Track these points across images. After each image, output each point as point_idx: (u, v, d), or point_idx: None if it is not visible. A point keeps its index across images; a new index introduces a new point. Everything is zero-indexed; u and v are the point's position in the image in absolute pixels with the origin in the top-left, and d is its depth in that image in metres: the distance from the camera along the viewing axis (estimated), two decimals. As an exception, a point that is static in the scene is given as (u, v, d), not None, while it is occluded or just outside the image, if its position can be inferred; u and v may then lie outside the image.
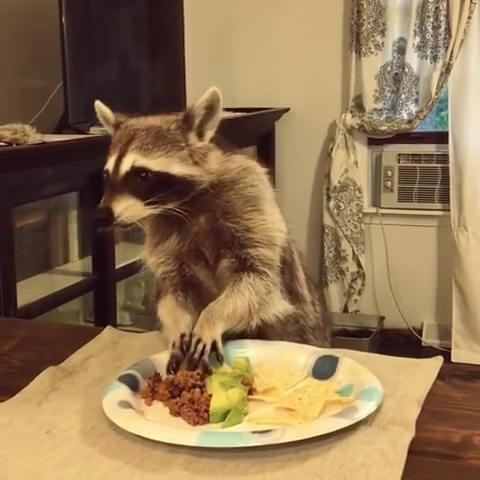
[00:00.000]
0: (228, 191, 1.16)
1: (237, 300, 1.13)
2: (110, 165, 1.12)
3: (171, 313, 1.17)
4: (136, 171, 1.10)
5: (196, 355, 1.06)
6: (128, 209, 1.08)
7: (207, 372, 1.04)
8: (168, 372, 1.05)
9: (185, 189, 1.12)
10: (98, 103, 1.21)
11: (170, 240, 1.18)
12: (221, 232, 1.16)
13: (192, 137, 1.14)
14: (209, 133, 1.15)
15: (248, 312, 1.14)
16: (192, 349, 1.07)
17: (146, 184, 1.09)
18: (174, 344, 1.09)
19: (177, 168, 1.11)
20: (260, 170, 1.23)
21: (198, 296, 1.19)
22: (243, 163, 1.20)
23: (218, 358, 1.07)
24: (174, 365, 1.06)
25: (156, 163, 1.10)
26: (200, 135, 1.15)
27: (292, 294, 1.22)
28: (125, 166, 1.10)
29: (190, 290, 1.19)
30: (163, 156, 1.11)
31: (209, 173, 1.14)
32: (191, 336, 1.09)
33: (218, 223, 1.15)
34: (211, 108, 1.14)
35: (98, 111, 1.22)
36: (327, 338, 1.34)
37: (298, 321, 1.23)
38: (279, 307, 1.17)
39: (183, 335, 1.10)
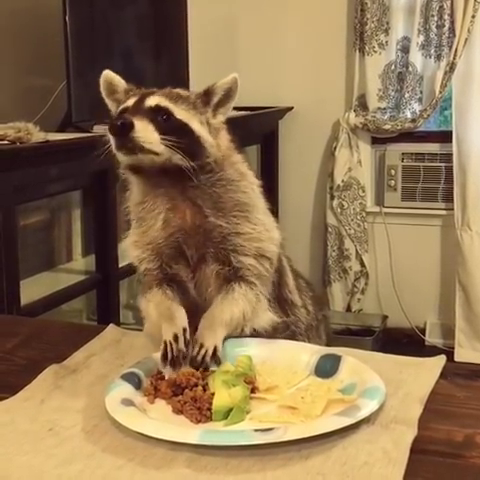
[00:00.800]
0: (221, 188, 1.15)
1: (233, 308, 1.14)
2: (130, 102, 1.10)
3: (161, 305, 1.15)
4: (160, 109, 1.09)
5: (199, 357, 1.07)
6: (147, 131, 1.06)
7: (207, 371, 1.05)
8: (171, 366, 1.05)
9: (195, 150, 1.11)
10: (107, 71, 1.18)
11: (153, 229, 1.16)
12: (210, 231, 1.14)
13: (209, 111, 1.16)
14: (220, 117, 1.17)
15: (243, 319, 1.15)
16: (195, 353, 1.07)
17: (167, 124, 1.09)
18: (176, 338, 1.08)
19: (197, 125, 1.12)
20: (254, 180, 1.22)
21: (182, 294, 1.18)
22: (241, 166, 1.20)
23: (216, 362, 1.08)
24: (181, 361, 1.06)
25: (180, 111, 1.11)
26: (214, 112, 1.16)
27: (282, 301, 1.23)
28: (150, 102, 1.10)
29: (175, 285, 1.18)
30: (186, 110, 1.12)
31: (218, 149, 1.15)
32: (186, 336, 1.10)
33: (207, 220, 1.14)
34: (228, 93, 1.16)
35: (104, 79, 1.18)
36: (321, 336, 1.34)
37: (289, 327, 1.23)
38: (265, 317, 1.17)
39: (185, 329, 1.10)
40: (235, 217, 1.15)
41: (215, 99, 1.16)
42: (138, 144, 1.06)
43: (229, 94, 1.16)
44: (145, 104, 1.10)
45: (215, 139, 1.15)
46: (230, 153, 1.19)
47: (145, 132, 1.06)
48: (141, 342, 1.21)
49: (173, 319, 1.12)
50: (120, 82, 1.19)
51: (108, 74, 1.18)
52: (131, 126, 1.05)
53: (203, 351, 1.08)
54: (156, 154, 1.08)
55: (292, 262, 1.30)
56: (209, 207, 1.14)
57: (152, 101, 1.10)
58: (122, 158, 1.11)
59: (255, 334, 1.17)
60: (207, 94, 1.16)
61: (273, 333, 1.19)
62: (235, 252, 1.15)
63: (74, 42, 2.70)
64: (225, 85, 1.16)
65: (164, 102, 1.11)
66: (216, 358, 1.08)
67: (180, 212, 1.14)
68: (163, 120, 1.09)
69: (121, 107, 1.13)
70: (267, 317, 1.18)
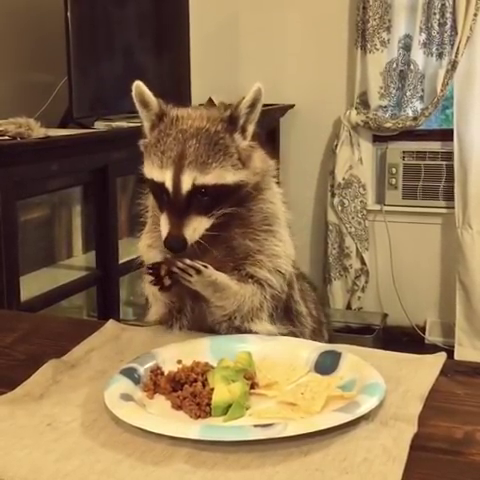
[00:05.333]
0: (251, 200, 1.17)
1: (234, 286, 1.15)
2: (168, 182, 1.11)
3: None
4: (197, 189, 1.10)
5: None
6: (196, 230, 1.10)
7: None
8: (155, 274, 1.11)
9: (236, 193, 1.13)
10: (138, 83, 1.16)
11: None
12: (234, 248, 1.17)
13: (238, 137, 1.15)
14: (250, 128, 1.16)
15: (235, 305, 1.16)
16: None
17: (206, 199, 1.11)
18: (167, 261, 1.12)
19: (231, 177, 1.12)
20: (277, 189, 1.23)
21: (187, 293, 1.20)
22: (269, 174, 1.21)
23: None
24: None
25: (213, 177, 1.11)
26: (243, 131, 1.15)
27: (288, 312, 1.24)
28: (186, 185, 1.10)
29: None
30: (218, 167, 1.12)
31: (255, 173, 1.16)
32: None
33: (235, 241, 1.17)
34: (253, 105, 1.14)
35: (137, 92, 1.17)
36: (324, 335, 1.35)
37: (295, 335, 1.23)
38: (260, 327, 1.18)
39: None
40: (264, 232, 1.18)
41: (241, 122, 1.15)
42: (194, 242, 1.11)
43: (253, 109, 1.15)
44: (183, 189, 1.10)
45: (249, 164, 1.15)
46: (266, 167, 1.20)
47: (195, 233, 1.10)
48: (141, 337, 1.21)
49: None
50: (150, 98, 1.17)
51: (139, 87, 1.17)
52: (185, 241, 1.09)
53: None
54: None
55: (297, 265, 1.30)
56: (237, 225, 1.16)
57: (187, 183, 1.10)
58: None
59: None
60: (232, 120, 1.14)
61: None
62: (254, 265, 1.18)
63: (75, 38, 2.69)
64: (248, 102, 1.14)
65: (198, 178, 1.10)
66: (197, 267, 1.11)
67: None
68: (202, 195, 1.10)
69: (156, 177, 1.13)
70: (263, 327, 1.18)
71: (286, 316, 1.23)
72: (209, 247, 1.13)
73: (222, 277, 1.14)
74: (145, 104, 1.17)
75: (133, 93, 1.17)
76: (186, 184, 1.10)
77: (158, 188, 1.13)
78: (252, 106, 1.14)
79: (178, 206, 1.11)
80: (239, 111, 1.14)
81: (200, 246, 1.12)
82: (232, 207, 1.13)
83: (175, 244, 1.10)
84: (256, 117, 1.16)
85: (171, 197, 1.11)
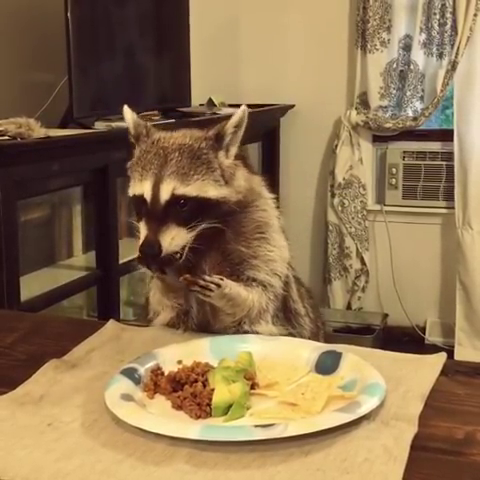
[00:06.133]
0: (241, 213, 1.18)
1: (243, 291, 1.16)
2: (147, 192, 1.11)
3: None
4: (176, 199, 1.10)
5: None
6: (174, 239, 1.09)
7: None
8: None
9: (217, 209, 1.13)
10: (126, 109, 1.21)
11: None
12: (228, 254, 1.18)
13: (221, 156, 1.16)
14: (233, 149, 1.17)
15: (246, 310, 1.16)
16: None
17: (185, 211, 1.10)
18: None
19: (212, 191, 1.12)
20: (268, 196, 1.24)
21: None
22: (257, 187, 1.22)
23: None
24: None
25: (194, 188, 1.11)
26: (227, 151, 1.16)
27: (287, 312, 1.25)
28: (165, 194, 1.10)
29: None
30: (199, 180, 1.12)
31: (238, 191, 1.16)
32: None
33: (229, 246, 1.17)
34: (238, 126, 1.15)
35: (125, 117, 1.21)
36: (321, 337, 1.36)
37: (294, 336, 1.24)
38: (265, 328, 1.19)
39: None
40: (256, 239, 1.19)
41: (227, 140, 1.16)
42: (171, 253, 1.09)
43: (238, 129, 1.16)
44: (161, 198, 1.10)
45: (232, 182, 1.15)
46: (249, 184, 1.20)
47: (173, 243, 1.09)
48: (141, 337, 1.21)
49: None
50: (131, 124, 1.20)
51: (126, 112, 1.20)
52: (160, 248, 1.08)
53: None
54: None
55: (295, 271, 1.31)
56: (230, 232, 1.17)
57: (166, 192, 1.10)
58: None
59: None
60: (218, 139, 1.15)
61: None
62: (251, 270, 1.18)
63: (76, 38, 2.69)
64: (234, 123, 1.15)
65: (178, 188, 1.10)
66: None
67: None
68: (181, 206, 1.10)
69: (136, 191, 1.13)
70: (267, 328, 1.19)
71: (285, 317, 1.24)
72: (204, 252, 1.14)
73: (233, 285, 1.14)
74: (129, 128, 1.20)
75: (124, 117, 1.21)
76: (165, 193, 1.10)
77: (138, 201, 1.13)
78: (237, 126, 1.15)
79: (156, 215, 1.10)
80: (226, 130, 1.15)
81: (195, 255, 1.12)
82: (213, 222, 1.12)
83: (149, 249, 1.08)
84: (239, 139, 1.17)
85: (149, 206, 1.11)
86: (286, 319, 1.24)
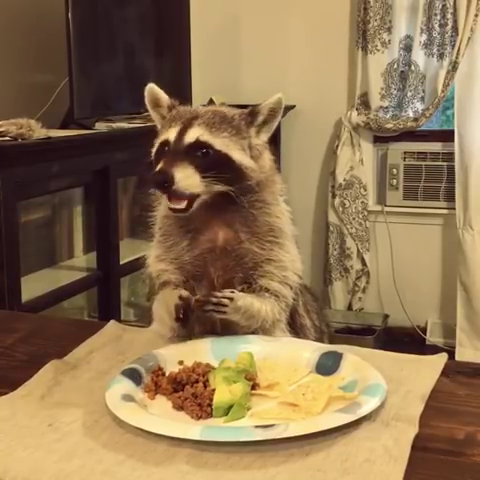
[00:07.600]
0: (257, 209, 1.16)
1: (256, 303, 1.14)
2: (172, 135, 1.11)
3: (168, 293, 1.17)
4: (199, 145, 1.10)
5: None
6: (187, 178, 1.08)
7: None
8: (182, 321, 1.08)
9: (236, 175, 1.12)
10: (151, 85, 1.20)
11: (179, 247, 1.17)
12: (242, 256, 1.15)
13: (253, 132, 1.16)
14: (264, 136, 1.18)
15: (260, 321, 1.15)
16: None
17: (206, 160, 1.10)
18: (182, 297, 1.10)
19: (237, 154, 1.12)
20: (285, 205, 1.23)
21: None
22: (277, 189, 1.21)
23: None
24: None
25: (220, 142, 1.11)
26: (258, 131, 1.17)
27: (293, 325, 1.24)
28: (189, 138, 1.10)
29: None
30: (227, 138, 1.12)
31: (261, 171, 1.16)
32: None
33: (241, 245, 1.15)
34: (273, 113, 1.16)
35: (149, 93, 1.20)
36: (325, 339, 1.36)
37: None
38: (281, 336, 1.19)
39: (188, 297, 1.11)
40: (269, 242, 1.17)
41: (260, 119, 1.16)
42: (181, 191, 1.08)
43: (274, 114, 1.17)
44: (185, 141, 1.10)
45: (257, 161, 1.15)
46: (272, 173, 1.20)
47: (185, 180, 1.08)
48: (142, 338, 1.21)
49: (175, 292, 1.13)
50: (163, 97, 1.20)
51: (152, 88, 1.20)
52: (172, 180, 1.07)
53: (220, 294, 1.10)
54: (198, 195, 1.10)
55: (302, 280, 1.30)
56: (244, 231, 1.15)
57: (192, 135, 1.10)
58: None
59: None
60: (252, 114, 1.16)
61: None
62: (264, 277, 1.17)
63: (76, 39, 2.69)
64: (270, 105, 1.16)
65: (204, 135, 1.10)
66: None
67: (212, 233, 1.15)
68: (203, 155, 1.10)
69: (162, 138, 1.13)
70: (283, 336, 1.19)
71: (291, 329, 1.23)
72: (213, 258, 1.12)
73: (245, 296, 1.13)
74: (157, 103, 1.19)
75: (146, 94, 1.20)
76: (190, 137, 1.10)
77: (162, 147, 1.12)
78: (272, 111, 1.16)
79: (176, 153, 1.09)
80: (260, 109, 1.16)
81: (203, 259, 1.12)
82: (228, 188, 1.11)
83: (162, 177, 1.07)
84: (272, 128, 1.18)
85: (171, 146, 1.10)
86: (292, 331, 1.23)
